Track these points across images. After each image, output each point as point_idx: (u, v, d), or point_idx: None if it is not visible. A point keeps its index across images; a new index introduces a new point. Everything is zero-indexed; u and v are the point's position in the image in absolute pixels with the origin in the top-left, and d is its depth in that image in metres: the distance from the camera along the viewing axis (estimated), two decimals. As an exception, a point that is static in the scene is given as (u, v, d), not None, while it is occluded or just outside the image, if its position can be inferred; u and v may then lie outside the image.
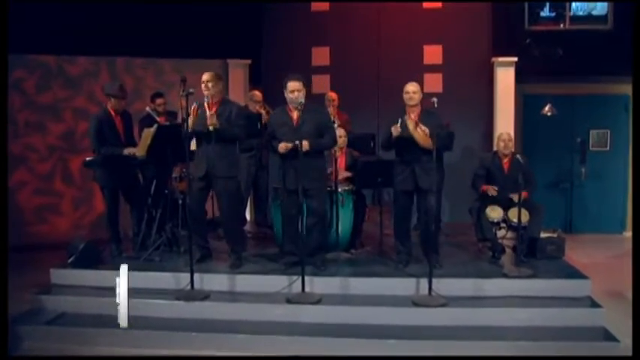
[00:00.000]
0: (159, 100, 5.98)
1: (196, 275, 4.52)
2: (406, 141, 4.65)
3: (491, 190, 5.25)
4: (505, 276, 4.67)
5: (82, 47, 7.09)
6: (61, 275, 4.96)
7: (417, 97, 4.71)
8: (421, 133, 4.58)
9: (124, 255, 5.28)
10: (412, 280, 4.55)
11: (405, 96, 4.75)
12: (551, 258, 5.16)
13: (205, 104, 4.72)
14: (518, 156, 5.08)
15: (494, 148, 5.54)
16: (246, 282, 4.67)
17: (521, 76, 7.62)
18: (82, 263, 4.96)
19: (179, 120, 5.31)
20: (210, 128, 4.64)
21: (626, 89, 7.50)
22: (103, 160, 5.14)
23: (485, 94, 7.80)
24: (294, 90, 4.63)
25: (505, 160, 5.41)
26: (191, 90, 4.45)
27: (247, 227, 6.56)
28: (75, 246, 5.02)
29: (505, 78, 7.63)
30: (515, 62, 7.52)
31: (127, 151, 5.14)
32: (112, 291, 3.80)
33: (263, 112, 6.25)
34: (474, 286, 4.51)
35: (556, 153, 7.94)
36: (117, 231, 5.40)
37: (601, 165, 7.92)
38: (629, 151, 7.67)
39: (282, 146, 4.61)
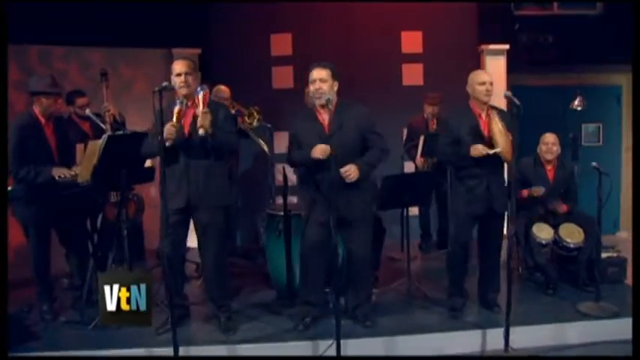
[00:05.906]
0: (80, 101, 4.50)
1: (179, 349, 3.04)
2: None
3: (536, 192, 4.28)
4: (586, 316, 3.68)
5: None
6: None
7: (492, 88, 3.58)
8: (506, 137, 3.44)
9: (61, 319, 3.76)
10: (477, 333, 3.45)
11: (480, 88, 3.57)
12: (612, 282, 4.28)
13: (178, 107, 3.32)
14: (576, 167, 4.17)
15: (538, 151, 4.55)
16: (253, 353, 3.32)
17: (509, 66, 6.82)
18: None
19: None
20: (201, 132, 3.24)
21: (618, 80, 7.01)
22: (27, 190, 3.57)
23: (472, 86, 6.98)
24: (315, 79, 3.34)
25: (549, 167, 4.47)
26: (165, 83, 3.05)
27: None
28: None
29: (495, 68, 6.77)
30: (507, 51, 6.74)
31: (57, 172, 3.62)
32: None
33: (232, 111, 4.96)
34: (555, 334, 3.51)
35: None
36: (48, 284, 3.86)
37: (593, 161, 7.31)
38: (622, 146, 7.17)
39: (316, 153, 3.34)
